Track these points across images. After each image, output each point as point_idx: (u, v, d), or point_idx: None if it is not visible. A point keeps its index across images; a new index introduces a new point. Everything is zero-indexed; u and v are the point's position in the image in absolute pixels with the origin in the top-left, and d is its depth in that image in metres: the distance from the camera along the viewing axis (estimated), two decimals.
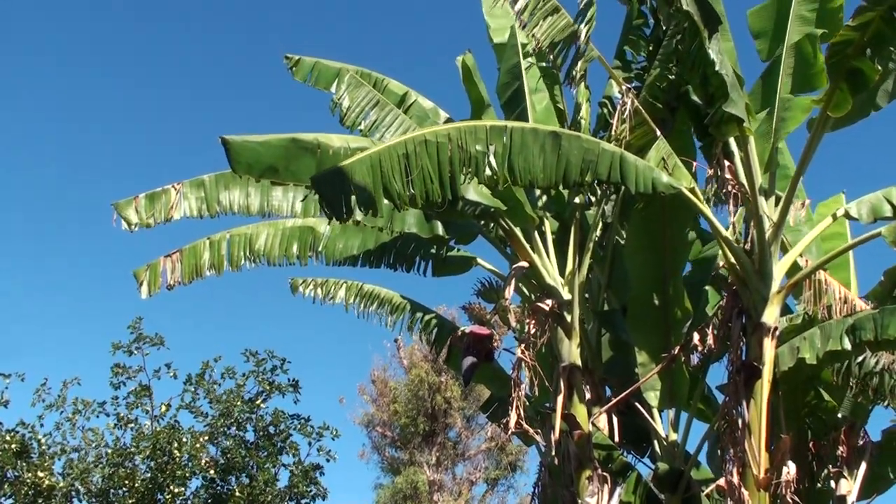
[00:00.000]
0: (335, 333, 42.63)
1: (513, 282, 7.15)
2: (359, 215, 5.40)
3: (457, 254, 8.12)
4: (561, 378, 7.04)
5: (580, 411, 6.99)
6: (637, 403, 7.47)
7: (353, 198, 5.21)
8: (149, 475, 12.89)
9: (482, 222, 7.63)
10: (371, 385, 25.00)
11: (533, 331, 7.04)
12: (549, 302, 7.18)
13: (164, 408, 13.69)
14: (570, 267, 7.41)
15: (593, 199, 7.60)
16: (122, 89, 42.73)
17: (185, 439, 13.12)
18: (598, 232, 7.60)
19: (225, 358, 14.44)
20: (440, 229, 7.62)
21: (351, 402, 26.69)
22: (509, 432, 6.89)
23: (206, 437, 13.31)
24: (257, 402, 13.53)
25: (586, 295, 7.84)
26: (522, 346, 7.00)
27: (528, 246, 7.37)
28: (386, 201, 5.39)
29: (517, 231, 7.36)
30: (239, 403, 13.41)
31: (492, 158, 5.68)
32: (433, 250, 8.08)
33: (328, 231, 8.07)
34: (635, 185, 5.92)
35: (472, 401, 23.40)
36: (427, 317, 8.65)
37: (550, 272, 7.39)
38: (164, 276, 7.64)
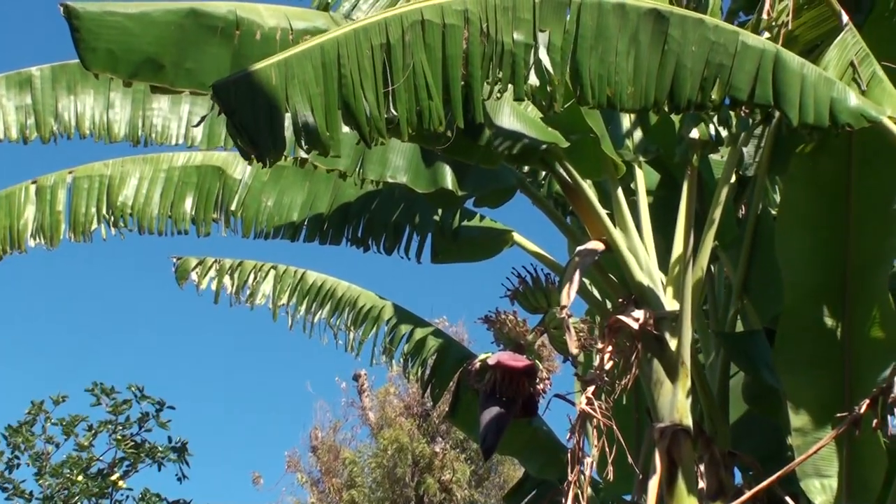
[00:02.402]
0: (252, 359, 42.86)
1: (576, 276, 7.04)
2: (299, 152, 5.66)
3: (478, 224, 8.20)
4: (657, 450, 6.99)
5: None
6: (789, 499, 7.46)
7: (287, 123, 5.38)
8: None
9: (525, 169, 7.63)
10: (310, 454, 25.00)
11: (609, 364, 6.99)
12: (638, 314, 7.14)
13: None
14: (677, 253, 7.39)
15: (724, 133, 7.58)
16: None
17: None
18: (730, 192, 7.53)
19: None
20: (449, 179, 7.59)
21: (272, 481, 26.72)
22: None
23: None
24: (113, 477, 13.62)
25: (705, 306, 7.88)
26: (589, 391, 6.89)
27: (604, 214, 7.33)
28: (347, 129, 5.53)
29: (586, 186, 7.34)
30: (81, 479, 13.42)
31: (543, 55, 5.76)
32: (435, 217, 8.14)
33: (248, 176, 8.18)
34: (800, 110, 5.91)
35: (492, 488, 23.39)
36: (419, 333, 8.76)
37: (643, 261, 7.35)
38: None
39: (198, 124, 7.55)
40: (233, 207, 8.19)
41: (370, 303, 8.84)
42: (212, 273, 9.05)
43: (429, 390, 8.68)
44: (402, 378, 9.22)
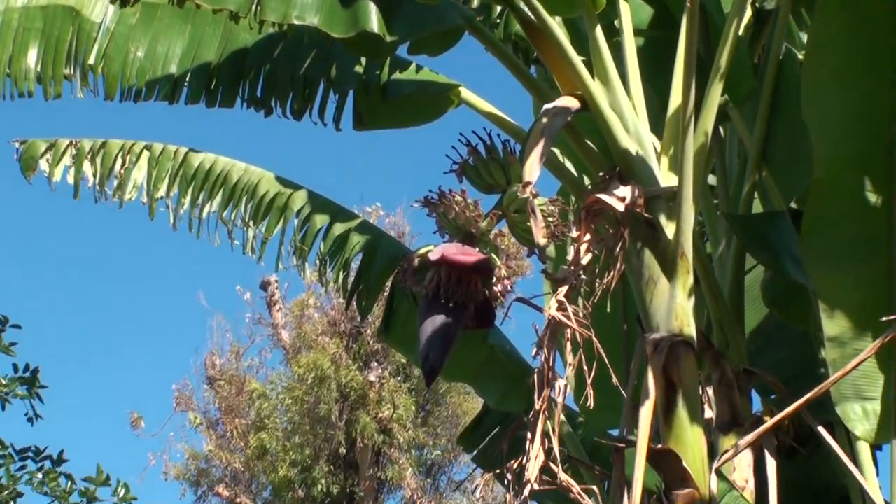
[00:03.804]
0: (125, 265, 42.77)
1: (542, 144, 7.06)
2: None
3: (413, 77, 8.24)
4: (650, 368, 7.03)
5: (692, 444, 6.97)
6: (822, 429, 7.55)
7: None
8: None
9: (474, 4, 7.77)
10: (206, 388, 25.16)
11: (586, 258, 7.00)
12: (624, 192, 7.18)
13: None
14: (675, 111, 7.41)
15: None
16: None
17: None
18: (743, 30, 7.66)
19: None
20: (374, 19, 7.61)
21: (156, 423, 26.89)
22: (522, 496, 6.78)
23: None
24: None
25: (711, 180, 7.93)
26: (561, 293, 6.89)
27: (579, 61, 7.36)
28: None
29: (555, 25, 7.37)
30: None
31: None
32: (358, 68, 8.19)
33: (111, 19, 8.24)
34: None
35: (441, 425, 23.56)
36: (340, 227, 8.86)
37: (630, 122, 7.42)
38: None
39: None
40: (91, 60, 8.20)
41: (275, 189, 8.86)
42: (67, 159, 9.05)
43: (357, 299, 8.70)
44: (323, 284, 9.18)
